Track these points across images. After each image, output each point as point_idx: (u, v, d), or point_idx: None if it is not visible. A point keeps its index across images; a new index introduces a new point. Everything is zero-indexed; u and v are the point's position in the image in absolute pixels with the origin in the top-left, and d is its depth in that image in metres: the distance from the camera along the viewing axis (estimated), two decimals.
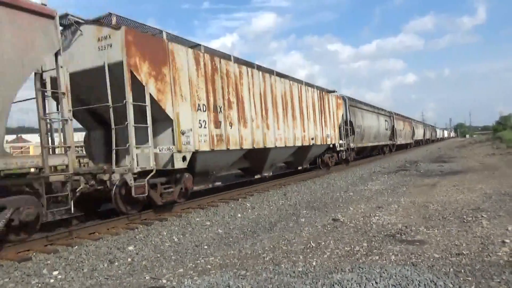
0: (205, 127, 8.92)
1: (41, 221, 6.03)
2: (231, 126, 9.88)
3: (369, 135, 24.65)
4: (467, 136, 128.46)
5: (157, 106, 7.71)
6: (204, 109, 8.99)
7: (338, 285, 3.79)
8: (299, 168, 15.75)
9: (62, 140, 6.66)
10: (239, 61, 10.84)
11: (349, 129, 20.10)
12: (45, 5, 6.04)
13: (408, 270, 4.12)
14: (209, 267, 4.80)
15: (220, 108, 9.54)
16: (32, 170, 6.22)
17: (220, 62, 9.76)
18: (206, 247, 6.02)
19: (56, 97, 6.66)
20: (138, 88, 7.35)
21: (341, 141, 18.80)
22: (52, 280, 4.80)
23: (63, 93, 6.18)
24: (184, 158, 8.24)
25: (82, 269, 5.13)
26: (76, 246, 6.07)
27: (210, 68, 9.37)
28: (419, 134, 49.92)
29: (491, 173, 13.32)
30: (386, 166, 19.44)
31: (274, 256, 5.03)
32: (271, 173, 13.38)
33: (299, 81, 14.67)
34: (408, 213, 7.29)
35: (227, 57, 10.36)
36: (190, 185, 8.79)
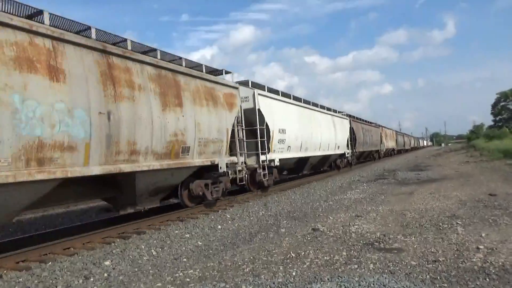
0: None
1: None
2: None
3: (400, 144, 53.88)
4: (443, 144, 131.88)
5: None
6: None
7: None
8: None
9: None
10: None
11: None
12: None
13: (386, 278, 4.16)
14: (188, 280, 4.72)
15: None
16: None
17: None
18: (185, 260, 5.92)
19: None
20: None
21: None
22: None
23: None
24: None
25: (56, 286, 4.94)
26: (50, 262, 5.87)
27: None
28: (411, 143, 77.10)
29: (466, 180, 13.69)
30: (364, 175, 19.70)
31: (254, 267, 4.99)
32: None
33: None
34: (386, 222, 7.38)
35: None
36: None
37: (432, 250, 5.22)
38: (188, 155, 8.89)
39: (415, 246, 5.49)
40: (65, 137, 5.88)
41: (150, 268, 5.58)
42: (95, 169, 6.48)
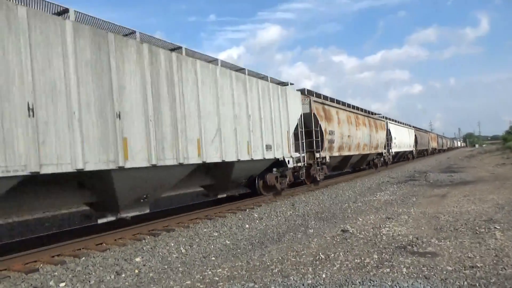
0: None
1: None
2: None
3: (440, 145, 67.76)
4: (477, 145, 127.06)
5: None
6: None
7: None
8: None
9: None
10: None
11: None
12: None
13: (420, 283, 4.02)
14: (217, 279, 4.73)
15: None
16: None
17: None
18: (213, 258, 5.95)
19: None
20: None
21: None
22: None
23: None
24: None
25: (89, 281, 5.08)
26: (83, 258, 6.04)
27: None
28: (448, 144, 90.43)
29: (502, 183, 13.10)
30: (394, 176, 19.24)
31: (283, 268, 4.94)
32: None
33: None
34: (418, 224, 7.16)
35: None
36: None
37: (469, 255, 5.01)
38: (378, 148, 23.73)
39: (450, 251, 5.28)
40: (365, 142, 21.02)
41: (179, 265, 5.64)
42: (357, 152, 19.67)
